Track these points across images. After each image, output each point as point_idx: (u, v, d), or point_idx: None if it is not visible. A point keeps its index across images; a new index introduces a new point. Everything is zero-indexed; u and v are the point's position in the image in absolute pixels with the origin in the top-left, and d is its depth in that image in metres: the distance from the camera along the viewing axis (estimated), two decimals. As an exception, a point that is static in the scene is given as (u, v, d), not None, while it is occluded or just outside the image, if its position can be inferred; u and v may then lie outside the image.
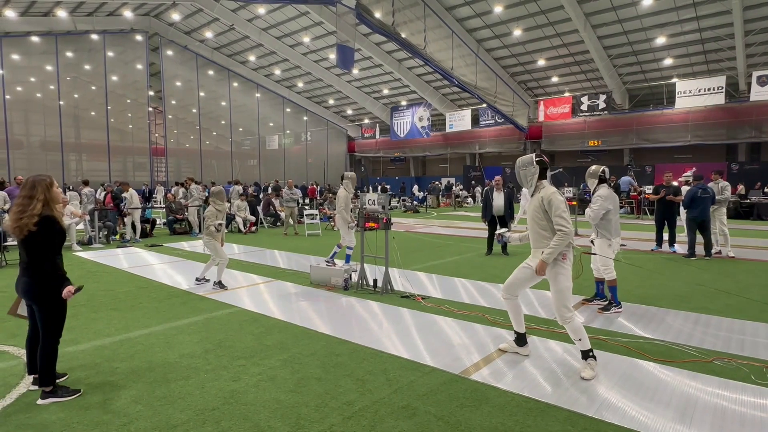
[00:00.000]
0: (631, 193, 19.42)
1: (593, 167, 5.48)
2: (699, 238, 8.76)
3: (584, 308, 5.43)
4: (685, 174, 11.43)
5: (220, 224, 6.45)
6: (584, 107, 27.84)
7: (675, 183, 10.75)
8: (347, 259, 7.54)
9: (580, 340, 3.57)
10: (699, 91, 23.91)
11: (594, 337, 4.37)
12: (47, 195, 3.19)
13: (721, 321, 4.91)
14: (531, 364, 3.77)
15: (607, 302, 5.31)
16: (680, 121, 25.57)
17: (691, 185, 9.07)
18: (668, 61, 24.06)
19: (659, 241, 9.73)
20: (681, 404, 3.11)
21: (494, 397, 3.21)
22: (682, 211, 10.46)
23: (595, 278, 5.55)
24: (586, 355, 3.59)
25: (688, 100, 24.25)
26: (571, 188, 14.51)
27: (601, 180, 5.35)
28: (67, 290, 3.21)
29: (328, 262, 7.49)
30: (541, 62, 26.28)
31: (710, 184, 9.02)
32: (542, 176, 3.73)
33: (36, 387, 3.29)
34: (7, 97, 24.84)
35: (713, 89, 23.43)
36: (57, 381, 3.28)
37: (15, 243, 3.31)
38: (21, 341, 4.06)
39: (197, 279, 6.80)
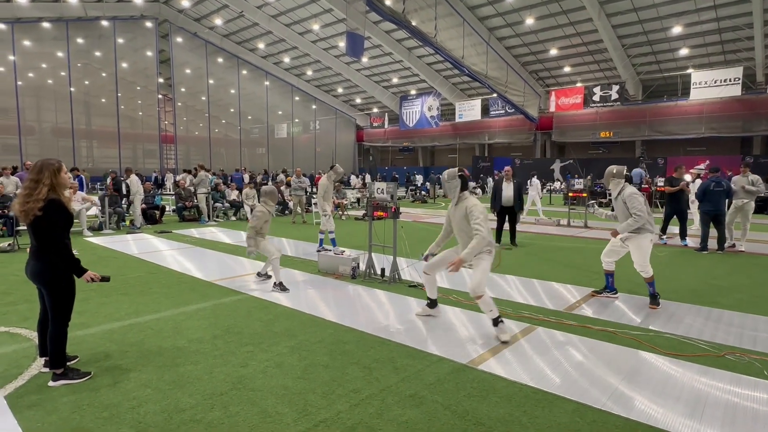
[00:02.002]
0: (642, 186, 19.16)
1: (616, 167, 5.23)
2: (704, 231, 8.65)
3: (593, 300, 5.38)
4: (698, 167, 11.26)
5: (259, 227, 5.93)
6: (596, 98, 27.45)
7: (687, 176, 10.59)
8: (333, 242, 8.04)
9: (491, 311, 4.13)
10: (715, 82, 23.45)
11: (603, 330, 4.34)
12: (54, 180, 3.16)
13: (734, 316, 4.84)
14: (538, 356, 3.75)
15: (654, 297, 5.09)
16: (694, 113, 25.14)
17: (703, 178, 8.93)
18: (684, 51, 23.59)
19: (664, 231, 9.65)
20: (691, 399, 3.07)
21: (502, 387, 3.20)
22: (693, 204, 10.33)
23: (605, 271, 5.48)
24: (496, 322, 4.14)
25: (704, 92, 23.81)
26: (581, 180, 14.36)
27: (627, 180, 5.23)
28: (91, 275, 3.26)
29: (318, 250, 7.73)
30: (554, 51, 25.88)
31: (736, 177, 8.88)
32: (464, 188, 4.33)
33: (47, 369, 3.33)
34: (19, 83, 25.02)
35: (729, 80, 22.96)
36: (68, 363, 3.32)
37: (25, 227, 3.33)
38: (33, 324, 4.11)
39: (259, 273, 6.34)
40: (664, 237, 9.69)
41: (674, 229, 10.15)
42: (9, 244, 8.36)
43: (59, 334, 3.23)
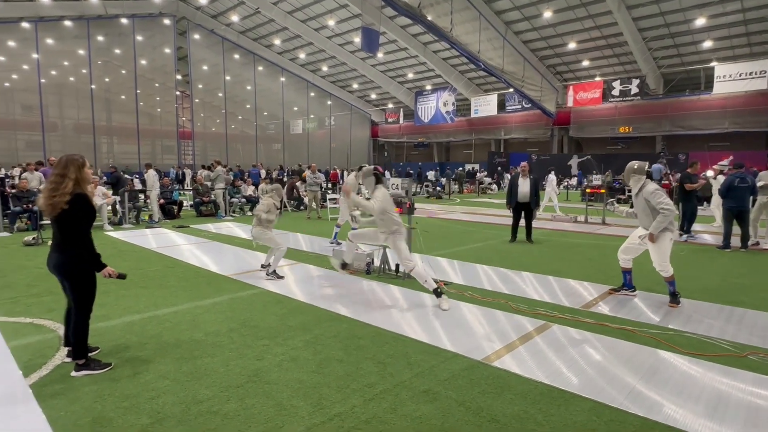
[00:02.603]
0: (663, 182, 18.77)
1: (637, 163, 5.09)
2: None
3: (610, 298, 5.30)
4: (721, 162, 11.00)
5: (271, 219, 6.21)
6: (616, 92, 26.94)
7: (710, 172, 10.35)
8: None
9: (425, 281, 4.74)
10: (740, 75, 22.81)
11: (621, 328, 4.27)
12: (78, 175, 3.25)
13: (757, 315, 4.72)
14: (554, 354, 3.71)
15: (674, 295, 4.99)
16: (718, 107, 24.50)
17: (726, 174, 8.74)
18: (707, 44, 22.97)
19: (684, 228, 9.56)
20: (712, 399, 3.01)
21: (516, 384, 3.18)
22: (715, 200, 10.12)
23: (622, 268, 5.39)
24: (437, 293, 4.83)
25: (728, 85, 23.18)
26: (599, 175, 14.13)
27: (648, 176, 5.12)
28: (109, 271, 3.35)
29: (332, 242, 8.13)
30: (572, 45, 25.45)
31: (762, 173, 8.70)
32: (378, 182, 5.25)
33: (70, 359, 3.43)
34: (43, 80, 25.59)
35: (755, 73, 22.32)
36: (89, 354, 3.40)
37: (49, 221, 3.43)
38: (57, 315, 4.23)
39: (263, 265, 6.41)
40: (685, 234, 9.52)
41: (695, 226, 9.95)
42: (33, 238, 8.59)
43: (82, 326, 3.31)
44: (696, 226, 9.90)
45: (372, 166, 5.53)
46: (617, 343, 3.94)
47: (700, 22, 21.04)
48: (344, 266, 5.79)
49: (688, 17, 21.29)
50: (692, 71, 25.47)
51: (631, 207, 5.40)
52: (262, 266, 6.42)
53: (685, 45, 23.78)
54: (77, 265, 3.27)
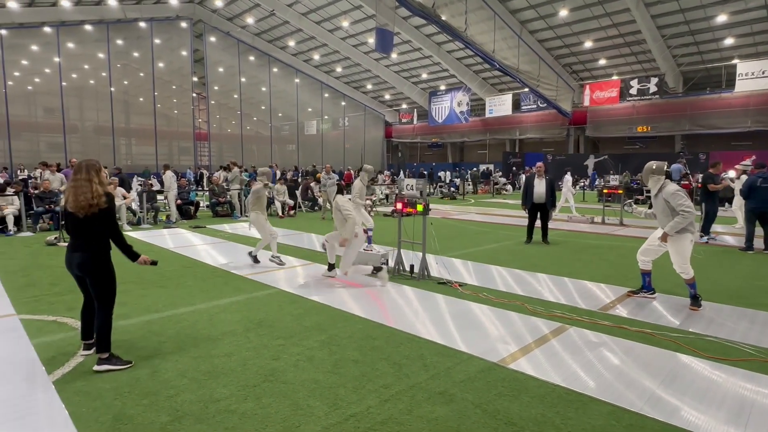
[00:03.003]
0: (682, 182, 18.42)
1: (656, 163, 4.98)
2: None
3: (629, 301, 5.21)
4: (743, 162, 10.76)
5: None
6: (633, 91, 26.48)
7: (732, 172, 10.12)
8: (368, 240, 8.17)
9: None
10: (763, 72, 22.24)
11: (640, 331, 4.20)
12: (99, 177, 3.45)
13: (782, 319, 4.60)
14: (570, 357, 3.66)
15: (695, 298, 4.88)
16: (740, 106, 23.91)
17: (749, 174, 8.54)
18: (729, 41, 22.46)
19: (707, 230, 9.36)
20: (735, 406, 2.94)
21: (533, 387, 3.15)
22: (737, 201, 9.90)
23: (641, 270, 5.30)
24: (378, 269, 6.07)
25: (750, 83, 22.61)
26: (616, 176, 13.93)
27: (668, 176, 5.01)
28: (144, 258, 3.58)
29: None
30: (588, 44, 25.11)
31: None
32: (339, 192, 6.32)
33: (88, 352, 3.58)
34: (64, 83, 26.16)
35: (779, 71, 21.72)
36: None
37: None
38: (78, 314, 4.31)
39: (273, 256, 7.03)
40: (705, 236, 9.32)
41: (716, 227, 9.74)
42: (55, 238, 8.79)
43: (106, 320, 3.44)
44: (717, 227, 9.70)
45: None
46: (636, 346, 3.87)
47: (722, 18, 20.57)
48: (331, 268, 6.35)
49: (708, 14, 20.84)
50: (713, 69, 24.92)
51: (650, 208, 5.31)
52: (249, 254, 7.17)
53: (706, 42, 23.28)
54: (100, 261, 3.42)
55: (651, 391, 3.09)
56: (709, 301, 5.08)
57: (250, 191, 7.49)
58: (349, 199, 7.99)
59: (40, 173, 13.73)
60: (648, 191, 15.85)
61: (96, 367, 3.36)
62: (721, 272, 6.69)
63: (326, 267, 6.37)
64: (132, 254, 3.55)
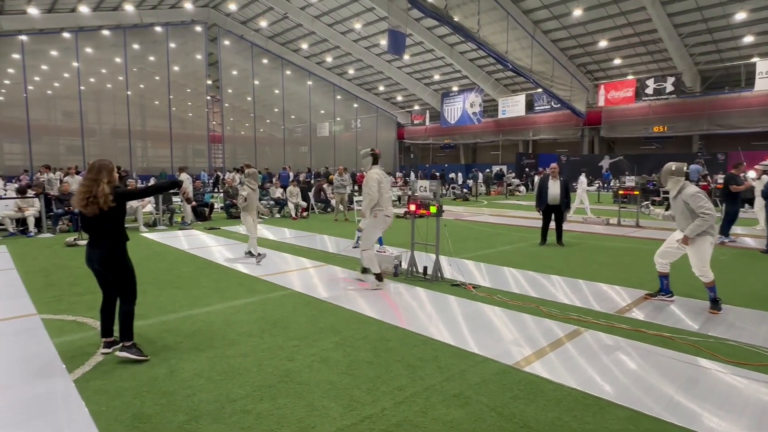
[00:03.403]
0: (700, 183, 18.11)
1: (675, 164, 4.88)
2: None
3: (646, 303, 5.13)
4: (763, 162, 10.53)
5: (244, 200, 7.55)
6: (649, 90, 26.10)
7: (752, 173, 9.91)
8: (380, 241, 8.04)
9: (371, 266, 5.60)
10: (783, 71, 21.75)
11: (658, 335, 4.14)
12: (110, 178, 3.53)
13: (805, 323, 4.48)
14: (586, 360, 3.62)
15: (715, 302, 4.79)
16: (759, 105, 23.43)
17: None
18: (748, 39, 22.02)
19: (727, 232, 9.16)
20: (757, 412, 2.88)
21: (549, 390, 3.12)
22: (758, 202, 9.69)
23: (659, 272, 5.22)
24: (379, 277, 5.70)
25: (770, 82, 22.12)
26: (632, 177, 13.73)
27: (686, 177, 4.92)
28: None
29: (355, 246, 8.26)
30: (603, 43, 24.83)
31: None
32: (374, 162, 5.83)
33: (107, 350, 3.69)
34: (82, 88, 26.71)
35: (800, 69, 21.23)
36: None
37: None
38: (98, 313, 4.39)
39: (248, 253, 7.68)
40: (724, 238, 9.15)
41: (736, 229, 9.54)
42: (75, 239, 8.97)
43: (129, 311, 3.60)
44: (737, 229, 9.50)
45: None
46: (654, 350, 3.81)
47: (740, 16, 20.18)
48: (380, 278, 5.81)
49: (727, 12, 20.46)
50: (732, 68, 24.45)
51: (667, 209, 5.22)
52: (250, 254, 7.58)
53: (724, 41, 22.85)
54: (118, 256, 3.54)
55: (670, 396, 3.04)
56: (729, 305, 4.98)
57: (238, 194, 7.96)
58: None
59: (60, 177, 14.04)
60: (665, 192, 15.61)
61: (118, 353, 3.54)
62: (742, 275, 6.55)
63: (359, 270, 6.16)
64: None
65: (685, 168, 4.91)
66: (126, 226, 3.74)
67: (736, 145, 24.96)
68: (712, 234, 4.69)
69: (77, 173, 13.02)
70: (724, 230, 9.15)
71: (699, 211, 4.59)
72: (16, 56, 24.67)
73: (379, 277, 5.73)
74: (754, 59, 23.00)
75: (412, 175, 31.18)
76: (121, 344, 3.57)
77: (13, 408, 2.89)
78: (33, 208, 10.39)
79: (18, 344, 3.94)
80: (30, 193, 10.61)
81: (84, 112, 26.82)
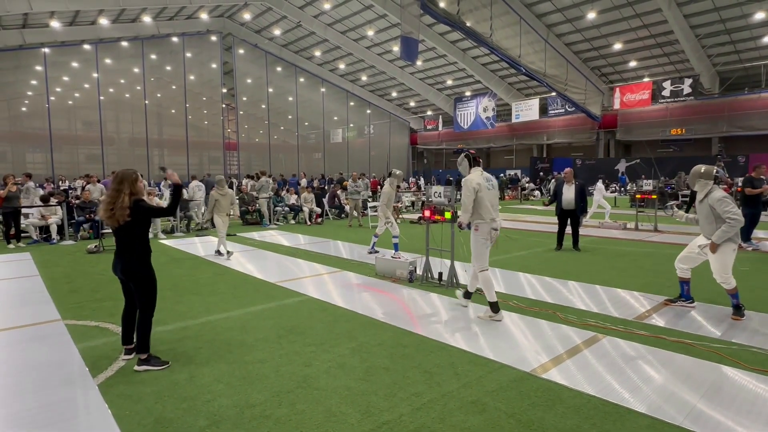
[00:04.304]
0: (721, 185, 17.72)
1: (704, 167, 4.77)
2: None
3: (666, 310, 5.05)
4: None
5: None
6: (666, 93, 25.73)
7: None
8: (395, 247, 8.21)
9: (487, 292, 4.71)
10: (805, 71, 21.24)
11: (679, 341, 4.07)
12: (133, 189, 3.56)
13: (833, 330, 4.36)
14: (605, 367, 3.58)
15: (738, 308, 4.70)
16: (781, 106, 22.89)
17: None
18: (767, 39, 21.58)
19: (748, 237, 8.93)
20: (784, 420, 2.81)
21: (568, 397, 3.09)
22: None
23: (679, 278, 5.13)
24: (494, 307, 4.71)
25: (792, 82, 21.63)
26: (650, 180, 13.53)
27: (716, 180, 4.79)
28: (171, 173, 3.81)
29: (370, 252, 8.45)
30: (618, 46, 24.58)
31: None
32: (472, 165, 5.05)
33: (129, 357, 3.72)
34: (101, 98, 27.35)
35: (823, 68, 20.71)
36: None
37: (109, 230, 3.76)
38: (119, 319, 4.49)
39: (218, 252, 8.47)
40: (753, 242, 8.94)
41: (758, 233, 9.32)
42: (95, 246, 9.17)
43: (146, 323, 3.60)
44: (759, 233, 9.29)
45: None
46: (675, 357, 3.75)
47: (759, 16, 19.81)
48: (467, 296, 5.24)
49: (745, 12, 20.11)
50: (751, 68, 23.97)
51: (687, 211, 5.14)
52: (223, 252, 8.33)
53: (743, 41, 22.44)
54: (143, 267, 3.58)
55: (692, 405, 2.99)
56: (752, 311, 4.88)
57: (211, 198, 8.60)
58: (378, 205, 8.12)
59: (83, 185, 14.37)
60: (684, 196, 15.33)
61: (136, 367, 3.55)
62: (765, 280, 6.40)
63: (462, 293, 5.30)
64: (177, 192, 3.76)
65: (714, 171, 4.80)
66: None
67: (758, 147, 24.44)
68: (735, 240, 4.60)
69: (99, 181, 13.29)
70: (744, 235, 8.95)
71: (725, 216, 4.50)
72: (38, 68, 25.37)
73: (494, 307, 4.74)
74: (774, 59, 22.53)
75: (422, 180, 31.16)
76: (137, 357, 3.60)
77: (40, 411, 2.97)
78: (56, 216, 10.65)
79: (43, 349, 4.04)
80: (53, 201, 10.88)
81: (103, 121, 27.42)
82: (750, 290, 5.65)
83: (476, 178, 4.84)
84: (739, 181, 15.91)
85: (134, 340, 3.72)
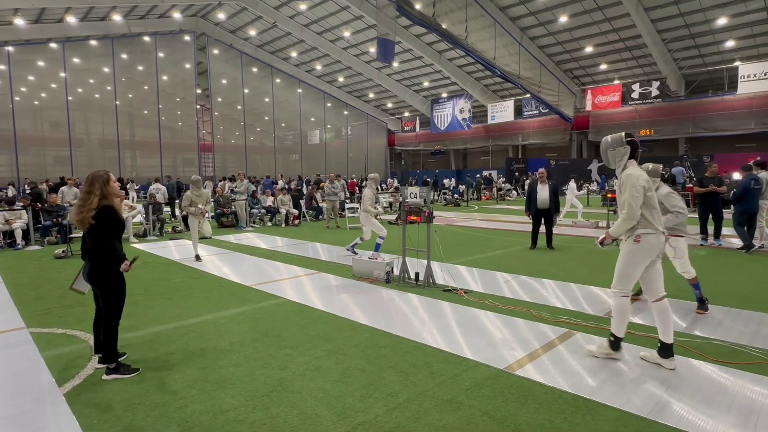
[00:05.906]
0: (686, 185, 18.35)
1: (651, 165, 4.97)
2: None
3: (635, 305, 5.19)
4: (749, 164, 10.71)
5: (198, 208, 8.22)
6: (635, 95, 26.54)
7: (737, 174, 10.07)
8: (377, 247, 8.14)
9: (617, 322, 3.70)
10: (765, 74, 22.26)
11: (647, 336, 4.19)
12: (104, 190, 3.46)
13: (790, 322, 4.57)
14: (577, 362, 3.66)
15: (702, 301, 4.87)
16: (743, 108, 23.90)
17: (743, 175, 8.59)
18: (730, 43, 22.51)
19: (705, 234, 9.26)
20: (743, 409, 2.93)
21: (540, 393, 3.15)
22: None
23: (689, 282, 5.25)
24: (616, 344, 3.70)
25: (752, 85, 22.63)
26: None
27: (664, 178, 5.09)
28: (124, 266, 3.45)
29: (348, 249, 8.57)
30: (589, 49, 25.24)
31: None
32: (633, 155, 3.77)
33: (101, 366, 3.59)
34: (70, 98, 26.52)
35: (781, 72, 21.72)
36: (119, 359, 3.54)
37: (79, 235, 3.64)
38: (88, 326, 4.36)
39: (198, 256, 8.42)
40: (704, 238, 9.30)
41: (722, 230, 9.68)
42: (63, 251, 8.87)
43: (111, 331, 3.48)
44: (723, 230, 9.64)
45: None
46: (642, 351, 3.86)
47: (722, 21, 20.64)
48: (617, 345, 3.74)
49: (708, 17, 20.92)
50: (715, 71, 24.95)
51: None
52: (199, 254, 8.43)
53: (707, 45, 23.34)
54: (106, 272, 3.44)
55: (658, 397, 3.09)
56: (716, 305, 5.07)
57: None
58: (363, 208, 8.08)
59: (46, 189, 13.88)
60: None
61: (105, 377, 3.44)
62: (728, 275, 6.66)
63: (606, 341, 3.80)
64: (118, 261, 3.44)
65: (661, 169, 5.05)
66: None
67: (722, 147, 25.42)
68: (685, 233, 4.89)
69: (77, 185, 12.84)
70: (703, 230, 9.28)
71: (672, 209, 4.81)
72: (2, 67, 24.45)
73: (615, 344, 3.69)
74: (736, 63, 23.49)
75: (395, 180, 31.29)
76: (105, 366, 3.49)
77: (4, 424, 2.86)
78: (20, 220, 10.26)
79: (6, 359, 3.89)
80: (18, 205, 10.49)
81: (72, 122, 26.61)
82: (713, 285, 5.86)
83: (642, 173, 3.66)
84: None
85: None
